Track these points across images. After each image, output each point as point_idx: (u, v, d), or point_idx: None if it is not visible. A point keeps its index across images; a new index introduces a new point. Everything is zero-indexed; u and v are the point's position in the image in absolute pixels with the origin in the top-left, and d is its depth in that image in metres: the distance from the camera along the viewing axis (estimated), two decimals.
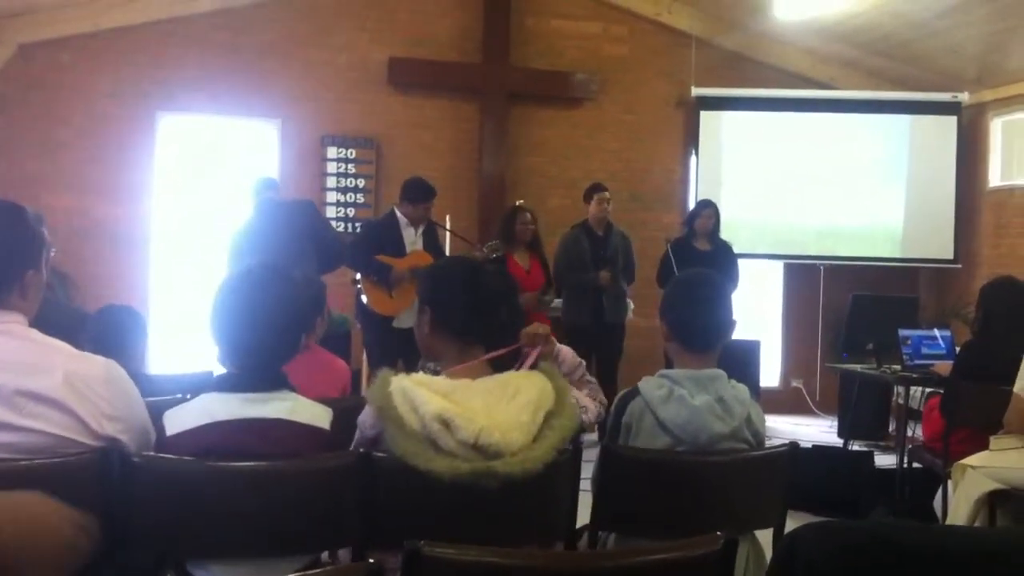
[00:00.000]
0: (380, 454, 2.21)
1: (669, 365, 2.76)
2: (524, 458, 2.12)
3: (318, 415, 2.29)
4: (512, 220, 7.05)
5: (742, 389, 2.68)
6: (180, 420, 2.20)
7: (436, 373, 2.35)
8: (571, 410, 2.28)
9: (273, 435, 2.19)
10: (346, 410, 2.43)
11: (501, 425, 2.13)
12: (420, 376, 2.24)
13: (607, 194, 7.28)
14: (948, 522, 4.11)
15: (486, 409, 2.15)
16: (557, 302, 7.29)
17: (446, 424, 2.10)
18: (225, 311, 2.27)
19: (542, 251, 7.21)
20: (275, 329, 2.27)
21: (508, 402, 2.19)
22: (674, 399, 2.57)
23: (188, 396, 2.33)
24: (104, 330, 3.71)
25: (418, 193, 6.43)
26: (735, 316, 2.75)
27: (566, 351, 2.92)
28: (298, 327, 2.38)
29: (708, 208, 7.58)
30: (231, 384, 2.24)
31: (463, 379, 2.24)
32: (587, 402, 2.82)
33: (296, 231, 5.99)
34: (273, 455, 2.16)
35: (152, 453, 2.18)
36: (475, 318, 2.37)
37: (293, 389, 2.30)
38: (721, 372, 2.67)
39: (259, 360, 2.26)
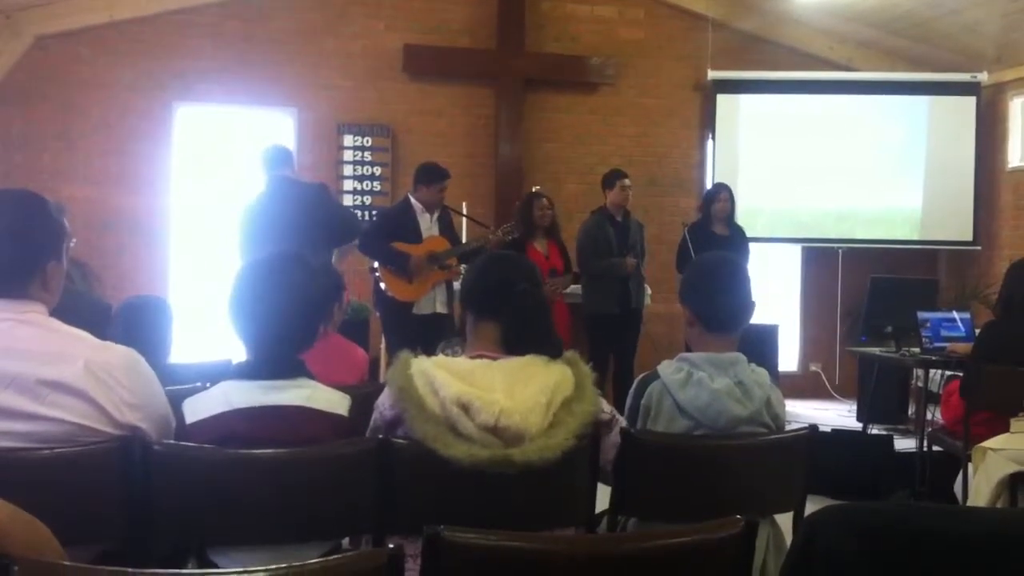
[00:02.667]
0: (399, 440, 2.22)
1: (688, 351, 2.76)
2: (542, 445, 2.13)
3: (336, 402, 2.30)
4: (530, 206, 7.04)
5: (762, 373, 2.68)
6: (199, 408, 2.22)
7: (456, 355, 2.35)
8: (591, 396, 2.28)
9: (291, 422, 2.21)
10: (364, 397, 2.44)
11: (521, 407, 2.13)
12: (440, 358, 2.25)
13: (629, 180, 7.18)
14: (969, 505, 4.09)
15: (506, 389, 2.16)
16: (575, 288, 7.23)
17: (465, 408, 2.11)
18: (243, 299, 2.29)
19: (560, 237, 7.19)
20: (293, 317, 2.28)
21: (527, 383, 2.19)
22: (693, 382, 2.57)
23: (208, 384, 2.35)
24: (134, 320, 3.73)
25: (432, 175, 6.42)
26: (754, 298, 2.75)
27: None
28: (316, 315, 2.39)
29: (725, 191, 7.48)
30: (249, 372, 2.26)
31: (483, 359, 2.25)
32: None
33: (307, 218, 5.86)
34: (292, 442, 2.17)
35: (173, 441, 2.20)
36: (489, 296, 2.39)
37: (311, 376, 2.31)
38: (741, 356, 2.66)
39: (277, 348, 2.27)
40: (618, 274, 6.93)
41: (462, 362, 2.24)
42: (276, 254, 2.37)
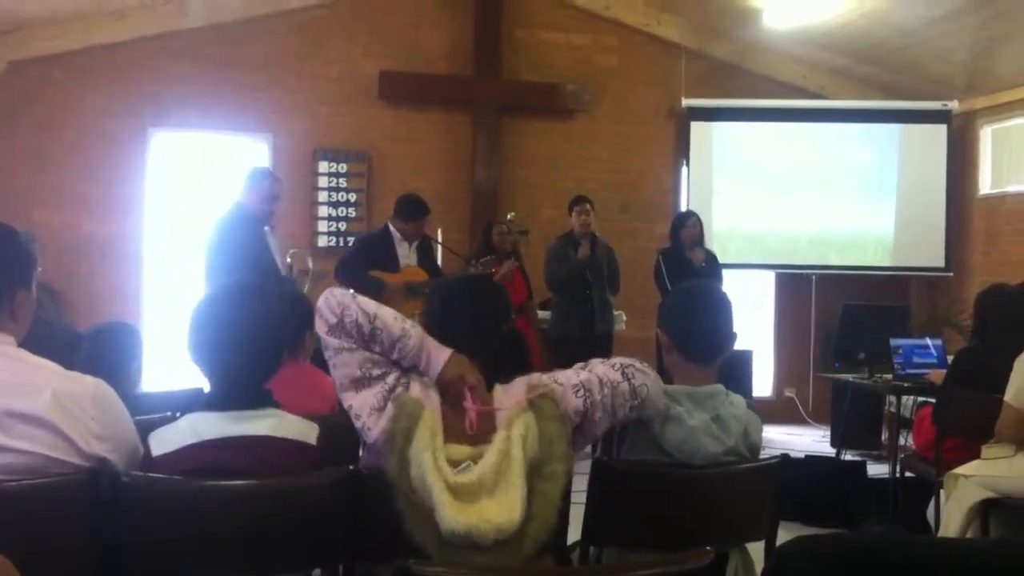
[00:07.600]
0: (370, 469, 2.21)
1: (663, 376, 2.75)
2: (533, 536, 2.12)
3: (304, 431, 2.29)
4: (488, 232, 7.06)
5: (739, 403, 2.65)
6: (165, 440, 2.20)
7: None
8: (560, 449, 2.23)
9: (259, 452, 2.19)
10: (333, 426, 2.43)
11: (511, 513, 2.09)
12: (437, 449, 2.15)
13: (588, 206, 7.23)
14: (941, 531, 4.10)
15: (496, 503, 2.12)
16: (544, 315, 7.27)
17: (466, 538, 2.06)
18: (200, 334, 2.27)
19: (522, 262, 7.18)
20: (252, 347, 2.26)
21: (506, 474, 2.14)
22: (671, 417, 2.53)
23: (178, 414, 2.33)
24: (101, 348, 3.67)
25: (411, 211, 6.42)
26: (736, 328, 2.72)
27: (563, 382, 2.42)
28: (276, 343, 2.36)
29: (692, 218, 7.54)
30: (215, 402, 2.24)
31: (468, 453, 2.19)
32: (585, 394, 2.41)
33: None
34: (261, 472, 2.16)
35: (141, 473, 2.18)
36: (449, 326, 2.44)
37: (277, 406, 2.30)
38: (720, 388, 2.63)
39: (240, 378, 2.25)
40: (580, 269, 6.96)
41: (450, 471, 2.14)
42: (231, 285, 2.35)
